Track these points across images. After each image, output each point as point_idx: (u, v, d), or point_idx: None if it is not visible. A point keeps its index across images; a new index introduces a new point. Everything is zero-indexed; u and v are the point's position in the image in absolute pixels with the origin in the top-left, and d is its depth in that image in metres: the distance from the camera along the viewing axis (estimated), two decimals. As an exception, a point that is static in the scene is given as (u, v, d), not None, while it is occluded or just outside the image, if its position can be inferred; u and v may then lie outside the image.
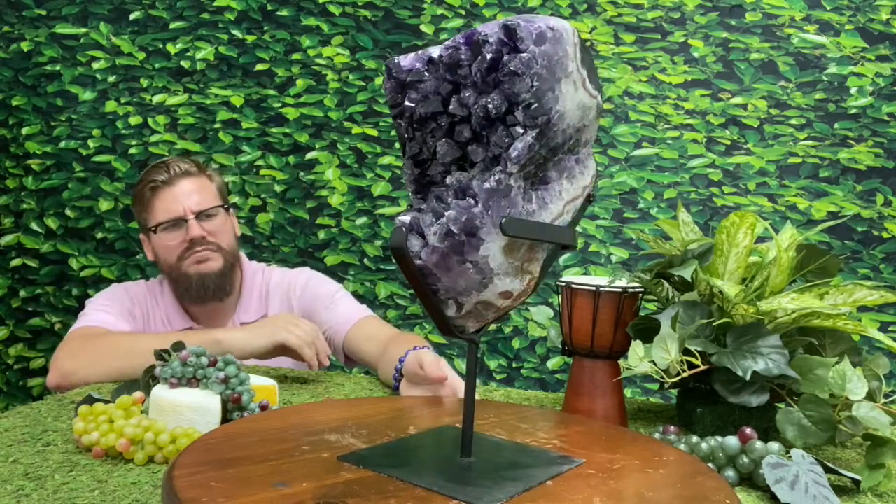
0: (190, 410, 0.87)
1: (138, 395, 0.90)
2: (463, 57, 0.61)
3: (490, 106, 0.59)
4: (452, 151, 0.63)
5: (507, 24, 0.59)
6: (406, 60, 0.63)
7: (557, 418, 0.90)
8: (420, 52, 0.63)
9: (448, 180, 0.63)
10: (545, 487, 0.62)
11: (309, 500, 0.57)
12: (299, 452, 0.68)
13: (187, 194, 1.46)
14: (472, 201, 0.60)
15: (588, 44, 2.17)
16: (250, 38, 2.21)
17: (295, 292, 1.57)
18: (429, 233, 0.61)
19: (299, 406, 0.87)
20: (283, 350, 1.27)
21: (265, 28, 2.21)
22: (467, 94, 0.61)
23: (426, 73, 0.62)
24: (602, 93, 0.65)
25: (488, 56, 0.59)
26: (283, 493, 0.58)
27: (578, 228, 2.16)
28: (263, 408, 0.93)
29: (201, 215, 1.47)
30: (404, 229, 0.62)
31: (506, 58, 0.58)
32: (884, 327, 2.03)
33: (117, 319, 1.43)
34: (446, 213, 0.60)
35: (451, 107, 0.62)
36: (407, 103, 0.63)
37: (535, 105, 0.59)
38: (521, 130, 0.59)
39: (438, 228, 0.60)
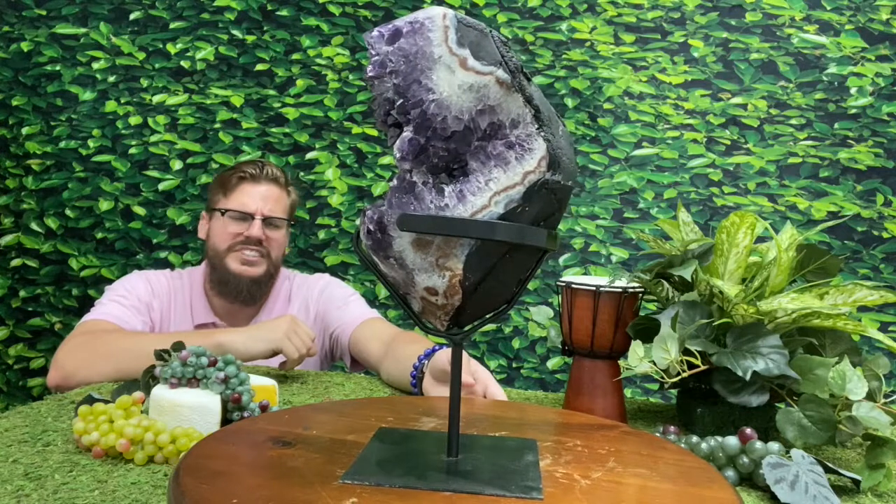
0: (190, 410, 0.87)
1: (138, 395, 0.90)
2: (373, 56, 0.64)
3: (375, 112, 0.63)
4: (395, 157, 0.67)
5: (365, 35, 0.62)
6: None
7: (644, 458, 0.75)
8: None
9: None
10: (431, 494, 0.59)
11: (290, 437, 0.70)
12: (377, 419, 0.78)
13: (264, 198, 1.54)
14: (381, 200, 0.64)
15: (588, 44, 2.17)
16: (250, 38, 2.21)
17: (312, 296, 1.60)
18: (361, 231, 0.65)
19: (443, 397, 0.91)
20: (278, 353, 1.29)
21: (265, 28, 2.21)
22: (375, 104, 0.63)
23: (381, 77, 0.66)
24: (508, 64, 0.61)
25: (367, 68, 0.62)
26: (293, 431, 0.71)
27: (578, 228, 2.17)
28: (263, 408, 0.93)
29: (267, 221, 1.53)
30: (355, 230, 0.66)
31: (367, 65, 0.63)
32: (884, 327, 2.03)
33: (130, 312, 1.44)
34: (367, 212, 0.63)
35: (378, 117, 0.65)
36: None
37: (401, 101, 0.60)
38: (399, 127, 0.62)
39: (362, 227, 0.64)
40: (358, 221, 2.17)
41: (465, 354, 1.11)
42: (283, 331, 1.27)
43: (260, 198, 1.53)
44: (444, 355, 1.10)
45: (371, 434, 0.72)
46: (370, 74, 0.61)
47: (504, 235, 0.61)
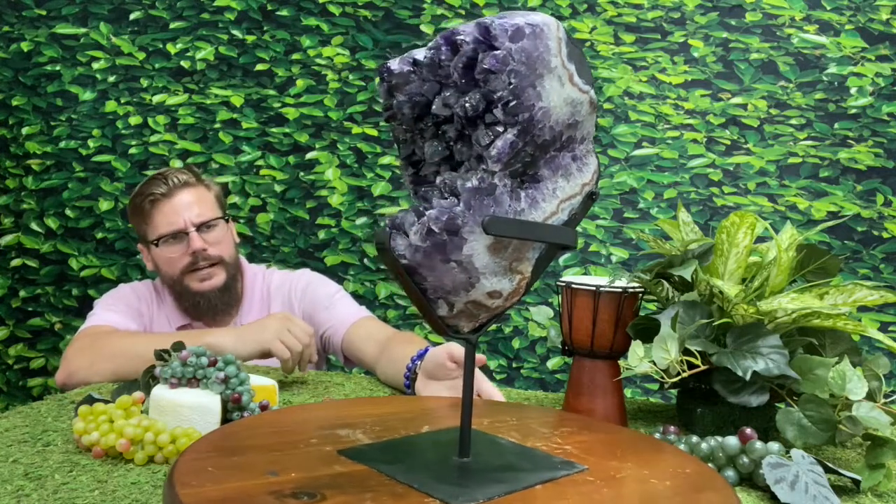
0: (190, 410, 0.87)
1: (138, 395, 0.90)
2: (443, 57, 0.61)
3: (468, 105, 0.59)
4: (440, 151, 0.63)
5: (482, 22, 0.59)
6: (395, 63, 0.63)
7: (573, 421, 0.88)
8: (407, 53, 0.63)
9: (437, 180, 0.63)
10: (531, 491, 0.62)
11: (289, 488, 0.58)
12: (304, 444, 0.68)
13: (187, 206, 1.46)
14: (454, 200, 0.60)
15: (588, 44, 2.17)
16: (250, 38, 2.21)
17: (296, 294, 1.58)
18: (411, 232, 0.61)
19: (304, 406, 0.88)
20: (270, 354, 1.25)
21: (265, 28, 2.21)
22: (448, 94, 0.61)
23: (412, 75, 0.62)
24: (594, 87, 0.64)
25: (465, 55, 0.59)
26: (270, 480, 0.60)
27: (578, 228, 2.16)
28: (263, 408, 0.93)
29: (202, 227, 1.47)
30: (388, 228, 0.62)
31: (480, 56, 0.58)
32: (884, 327, 2.02)
33: (124, 318, 1.44)
34: (427, 213, 0.60)
35: (434, 107, 0.62)
36: (395, 105, 0.63)
37: (515, 102, 0.58)
38: (502, 128, 0.59)
39: (419, 227, 0.60)
40: (359, 221, 2.17)
41: (460, 346, 1.11)
42: (272, 331, 1.22)
43: (182, 209, 1.45)
44: (443, 350, 1.10)
45: (346, 461, 0.66)
46: (487, 66, 0.58)
47: (574, 241, 0.66)
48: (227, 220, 1.54)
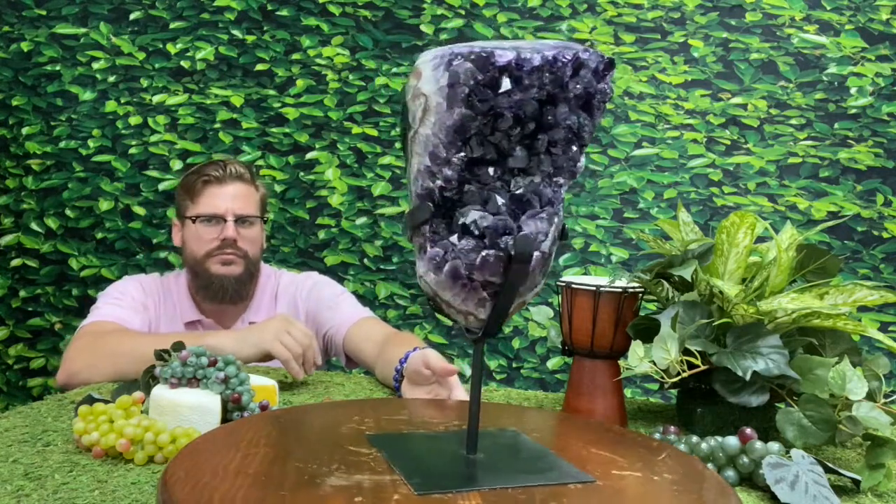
0: (190, 410, 0.87)
1: (138, 395, 0.90)
2: (568, 73, 0.62)
3: (587, 127, 0.64)
4: (524, 159, 0.64)
5: (607, 57, 0.64)
6: (504, 57, 0.61)
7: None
8: (521, 52, 0.62)
9: (513, 186, 0.65)
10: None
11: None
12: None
13: (233, 197, 1.52)
14: (551, 209, 0.65)
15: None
16: (250, 38, 2.21)
17: (301, 295, 1.59)
18: (546, 239, 0.64)
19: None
20: (271, 356, 1.24)
21: (265, 28, 2.21)
22: (565, 110, 0.63)
23: (527, 78, 0.62)
24: None
25: (593, 81, 0.63)
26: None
27: (578, 228, 2.17)
28: (263, 408, 0.93)
29: (240, 220, 1.51)
30: (532, 236, 0.63)
31: (603, 85, 0.63)
32: (884, 327, 2.02)
33: (129, 313, 1.44)
34: (556, 219, 0.65)
35: (548, 116, 0.63)
36: (506, 104, 0.62)
37: (594, 129, 0.65)
38: (580, 149, 0.65)
39: (553, 233, 0.65)
40: (359, 221, 2.17)
41: (438, 353, 1.13)
42: (272, 333, 1.23)
43: (229, 198, 1.51)
44: (419, 357, 1.11)
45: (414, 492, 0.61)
46: (608, 96, 0.64)
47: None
48: (263, 222, 1.59)
